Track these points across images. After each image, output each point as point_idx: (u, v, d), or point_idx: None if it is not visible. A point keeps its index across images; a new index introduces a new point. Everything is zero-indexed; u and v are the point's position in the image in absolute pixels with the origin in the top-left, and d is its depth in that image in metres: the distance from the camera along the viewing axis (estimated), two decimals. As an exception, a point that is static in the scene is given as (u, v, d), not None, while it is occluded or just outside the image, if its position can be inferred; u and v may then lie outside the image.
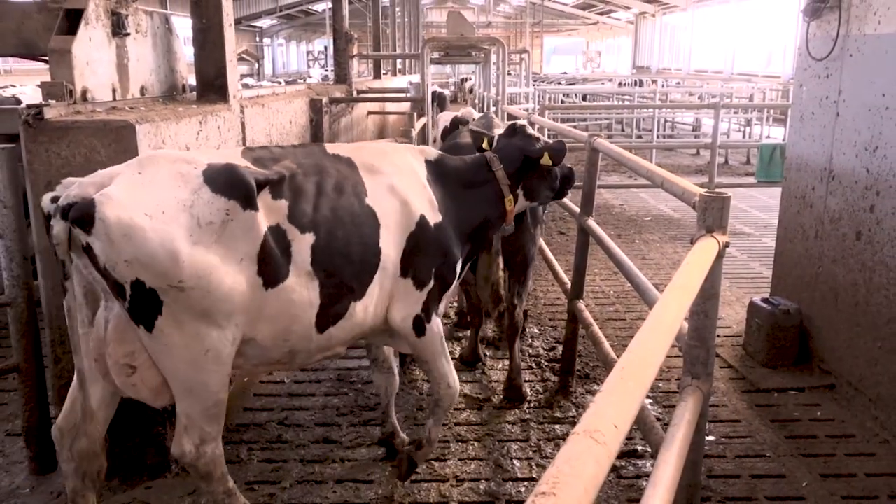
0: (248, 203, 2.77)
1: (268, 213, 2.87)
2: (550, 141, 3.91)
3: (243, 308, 2.80)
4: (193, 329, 2.72)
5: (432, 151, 3.71)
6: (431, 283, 3.39)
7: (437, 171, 3.55)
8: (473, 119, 6.23)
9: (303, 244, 2.95)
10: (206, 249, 2.68)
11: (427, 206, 3.38)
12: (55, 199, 2.61)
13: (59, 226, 2.56)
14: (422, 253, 3.34)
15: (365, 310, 3.22)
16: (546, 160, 3.79)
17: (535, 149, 3.80)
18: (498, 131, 4.34)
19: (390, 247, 3.24)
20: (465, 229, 3.55)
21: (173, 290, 2.63)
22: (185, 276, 2.62)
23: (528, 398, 4.69)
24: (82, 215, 2.52)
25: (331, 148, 3.33)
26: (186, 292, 2.65)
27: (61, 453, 2.99)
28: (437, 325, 3.50)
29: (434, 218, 3.38)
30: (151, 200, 2.62)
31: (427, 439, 3.69)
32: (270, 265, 2.84)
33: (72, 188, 2.61)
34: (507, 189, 3.69)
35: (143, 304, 2.63)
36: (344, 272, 3.08)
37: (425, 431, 3.71)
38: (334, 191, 3.12)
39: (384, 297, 3.29)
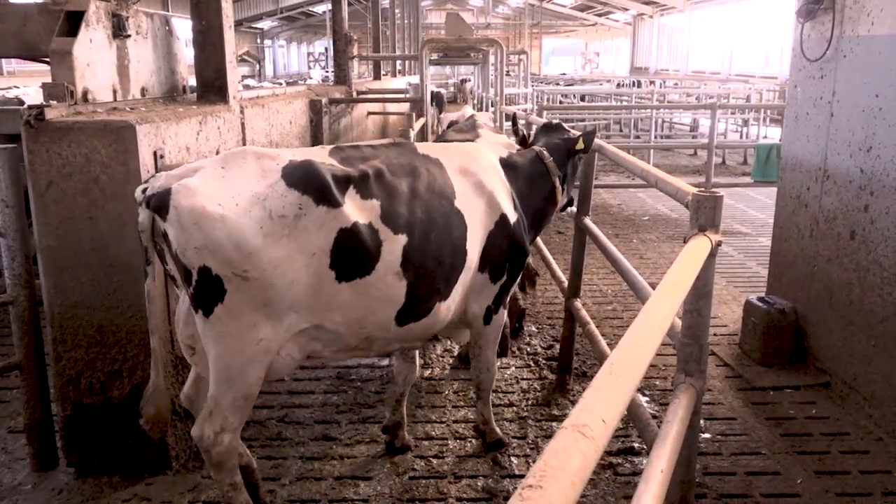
0: (322, 198, 2.88)
1: (358, 211, 2.97)
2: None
3: (305, 301, 2.92)
4: (251, 319, 2.82)
5: (503, 149, 3.91)
6: (505, 276, 3.60)
7: (509, 168, 3.74)
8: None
9: (395, 245, 3.06)
10: (276, 242, 2.79)
11: (508, 204, 3.57)
12: (144, 191, 2.81)
13: (143, 214, 2.78)
14: (499, 249, 3.51)
15: (447, 308, 3.38)
16: (580, 145, 4.05)
17: (574, 137, 4.10)
18: (483, 131, 4.63)
19: (475, 246, 3.40)
20: (531, 222, 3.78)
21: (237, 279, 2.75)
22: (251, 265, 2.75)
23: (527, 396, 4.72)
24: (160, 204, 2.72)
25: (421, 148, 3.46)
26: (250, 282, 2.76)
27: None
28: (502, 315, 3.76)
29: (513, 216, 3.57)
30: (227, 192, 2.77)
31: (483, 421, 4.05)
32: (347, 261, 2.95)
33: (157, 180, 2.82)
34: (557, 179, 3.93)
35: (207, 291, 2.76)
36: (435, 275, 3.21)
37: (478, 416, 4.06)
38: (427, 192, 3.23)
39: (464, 294, 3.47)
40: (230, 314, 2.79)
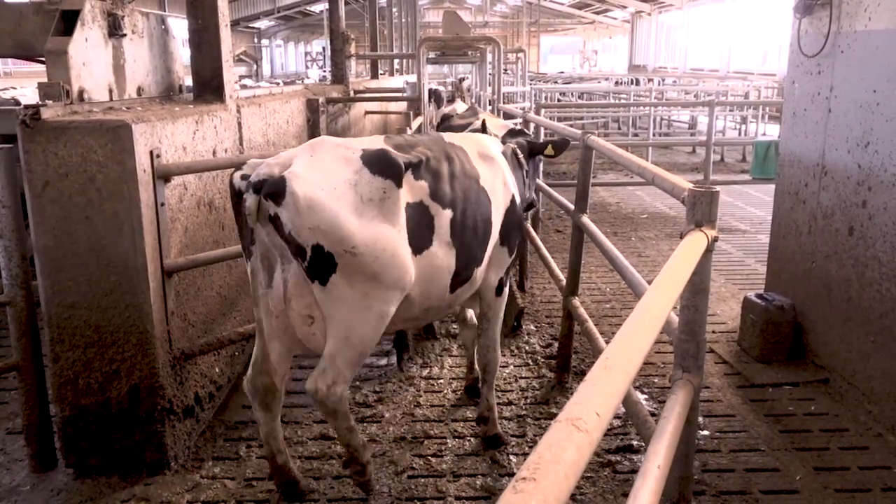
0: (400, 182, 3.26)
1: (413, 191, 3.36)
2: (544, 138, 4.46)
3: (409, 272, 3.28)
4: (363, 289, 3.16)
5: (498, 141, 4.28)
6: (515, 251, 4.09)
7: (507, 158, 4.10)
8: (457, 114, 6.61)
9: (444, 219, 3.47)
10: (371, 221, 3.15)
11: (514, 187, 3.99)
12: (245, 178, 3.10)
13: (251, 199, 3.04)
14: (512, 225, 3.95)
15: (480, 275, 3.84)
16: (549, 150, 4.46)
17: (537, 141, 4.56)
18: (483, 114, 5.29)
19: (497, 221, 3.82)
20: (522, 207, 4.15)
21: (347, 255, 3.09)
22: (357, 243, 3.10)
23: (526, 394, 4.72)
24: (275, 190, 3.01)
25: (446, 137, 3.86)
26: (358, 257, 3.11)
27: (254, 403, 3.49)
28: (508, 287, 4.19)
29: (517, 197, 4.00)
30: (326, 178, 3.11)
31: (487, 408, 4.17)
32: (417, 236, 3.34)
33: (260, 168, 3.11)
34: (523, 174, 4.27)
35: (321, 264, 3.09)
36: (472, 243, 3.65)
37: (483, 401, 4.19)
38: (460, 174, 3.63)
39: (487, 263, 3.88)
40: (344, 283, 3.13)
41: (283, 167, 3.09)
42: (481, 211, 3.68)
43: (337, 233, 3.05)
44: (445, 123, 6.40)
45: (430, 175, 3.44)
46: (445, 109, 8.14)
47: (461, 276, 3.63)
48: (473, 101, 12.09)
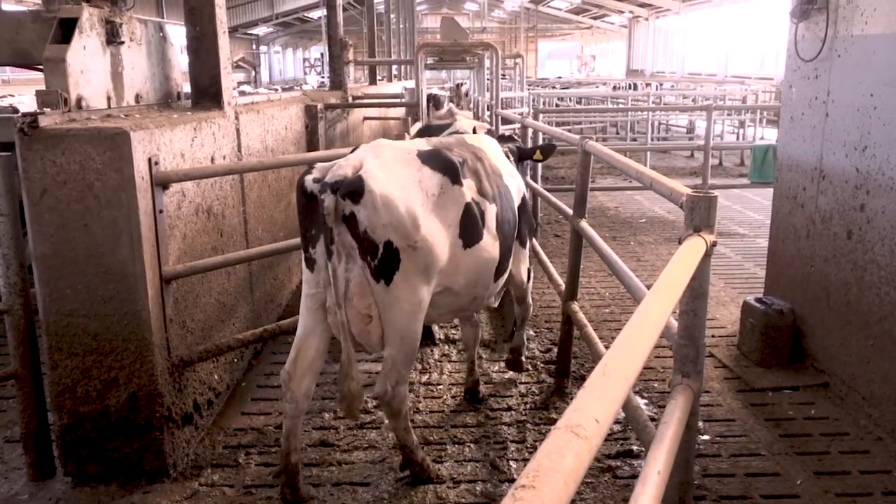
0: (455, 179, 3.53)
1: (467, 189, 3.61)
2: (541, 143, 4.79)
3: (444, 266, 3.47)
4: (415, 284, 3.34)
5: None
6: (529, 243, 4.48)
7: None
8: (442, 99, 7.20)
9: (491, 213, 3.75)
10: (431, 216, 3.37)
11: (523, 185, 4.34)
12: (318, 181, 3.21)
13: (329, 199, 3.13)
14: (526, 220, 4.32)
15: (511, 264, 4.17)
16: (538, 155, 4.81)
17: (525, 147, 4.84)
18: (458, 116, 6.01)
19: (517, 216, 4.12)
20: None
21: (409, 249, 3.26)
22: (419, 237, 3.28)
23: (526, 399, 4.72)
24: (353, 189, 3.15)
25: (468, 139, 4.14)
26: (417, 251, 3.29)
27: (286, 394, 3.58)
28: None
29: (525, 194, 4.38)
30: (395, 177, 3.29)
31: (520, 344, 4.85)
32: (469, 229, 3.58)
33: (334, 170, 3.23)
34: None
35: (388, 262, 3.24)
36: (507, 235, 3.94)
37: (518, 339, 4.83)
38: (492, 172, 3.91)
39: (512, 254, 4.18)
40: (404, 280, 3.28)
41: (354, 168, 3.22)
42: (511, 206, 4.01)
43: (406, 227, 3.23)
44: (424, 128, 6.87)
45: (472, 173, 3.73)
46: (441, 112, 8.27)
47: (502, 267, 3.95)
48: (472, 106, 12.11)
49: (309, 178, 3.25)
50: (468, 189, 3.61)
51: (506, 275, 4.13)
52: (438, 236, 3.39)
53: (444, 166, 3.50)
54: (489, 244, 3.73)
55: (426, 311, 3.47)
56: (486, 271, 3.78)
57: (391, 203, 3.19)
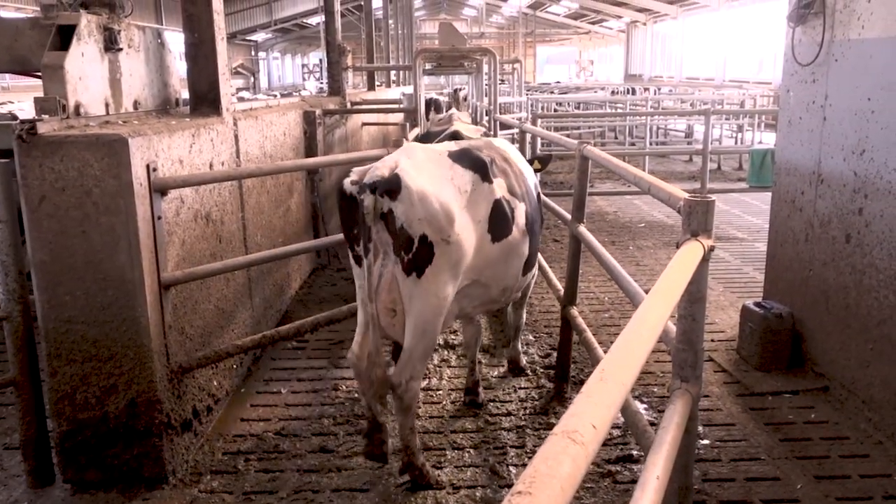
0: (485, 177, 3.77)
1: (498, 187, 3.85)
2: (541, 149, 4.88)
3: (472, 261, 3.66)
4: (444, 278, 3.51)
5: None
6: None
7: None
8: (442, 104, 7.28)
9: (520, 211, 4.01)
10: (463, 212, 3.57)
11: (538, 186, 4.63)
12: (356, 182, 3.38)
13: (369, 199, 3.33)
14: (541, 217, 4.61)
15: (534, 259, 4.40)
16: (536, 165, 4.97)
17: (527, 159, 4.92)
18: (456, 121, 6.28)
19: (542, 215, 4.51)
20: None
21: (443, 244, 3.44)
22: (453, 232, 3.47)
23: (525, 405, 4.71)
24: (391, 187, 3.34)
25: (494, 142, 4.42)
26: (451, 246, 3.47)
27: (359, 376, 3.70)
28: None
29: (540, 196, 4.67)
30: (429, 174, 3.52)
31: (517, 353, 5.17)
32: (498, 225, 3.80)
33: (371, 171, 3.40)
34: None
35: (422, 255, 3.41)
36: (536, 233, 4.23)
37: (514, 350, 5.16)
38: (518, 172, 4.16)
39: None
40: (435, 274, 3.45)
41: (390, 168, 3.40)
42: (535, 204, 4.27)
43: (440, 222, 3.43)
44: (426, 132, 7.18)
45: (502, 172, 3.97)
46: (442, 116, 8.41)
47: (530, 262, 4.23)
48: (470, 111, 12.13)
49: (347, 182, 3.43)
50: (498, 187, 3.85)
51: (535, 269, 4.46)
52: (468, 231, 3.59)
53: (475, 164, 3.75)
54: (518, 240, 3.98)
55: (453, 306, 3.70)
56: (515, 265, 4.04)
57: (426, 198, 3.39)
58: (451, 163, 3.71)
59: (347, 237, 3.55)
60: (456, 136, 5.69)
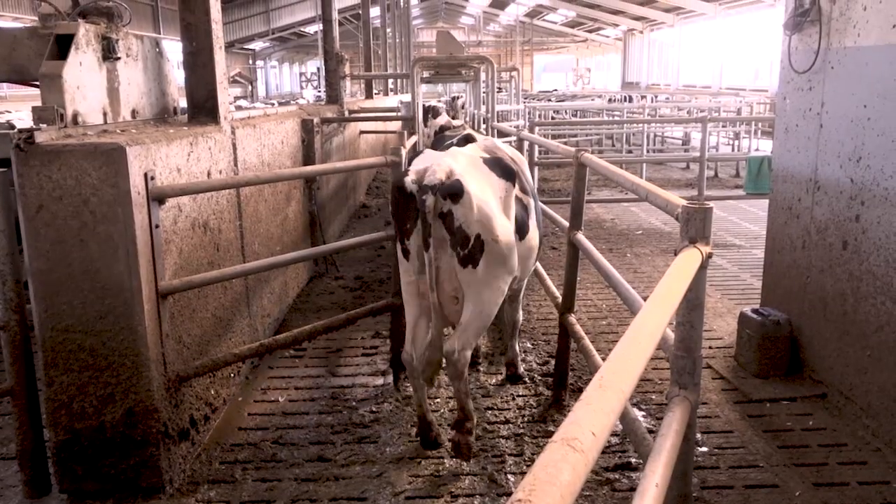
0: (514, 183, 4.17)
1: (518, 190, 4.25)
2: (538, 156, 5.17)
3: (516, 259, 4.08)
4: (495, 272, 3.95)
5: None
6: None
7: None
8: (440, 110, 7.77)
9: (531, 207, 4.43)
10: (502, 216, 4.00)
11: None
12: (416, 182, 3.73)
13: (430, 199, 3.69)
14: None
15: None
16: None
17: None
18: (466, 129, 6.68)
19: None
20: None
21: (492, 242, 3.87)
22: (499, 233, 3.90)
23: (523, 412, 4.70)
24: (454, 191, 3.73)
25: (496, 142, 4.85)
26: (498, 245, 3.90)
27: (411, 371, 4.18)
28: None
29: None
30: (477, 182, 3.92)
31: (515, 354, 5.23)
32: (522, 224, 4.25)
33: (429, 174, 3.73)
34: None
35: (476, 251, 3.84)
36: (540, 225, 4.63)
37: (511, 351, 5.24)
38: (524, 170, 4.60)
39: None
40: (485, 267, 3.88)
41: (446, 173, 3.77)
42: (537, 198, 4.67)
43: (490, 223, 3.85)
44: (440, 135, 7.69)
45: (517, 173, 4.33)
46: (440, 121, 9.08)
47: (539, 253, 4.70)
48: (468, 119, 12.16)
49: (408, 180, 3.78)
50: (519, 190, 4.26)
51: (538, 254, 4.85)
52: (508, 233, 4.01)
53: (506, 173, 4.17)
54: (533, 234, 4.43)
55: (504, 295, 4.14)
56: (532, 256, 4.54)
57: (481, 203, 3.82)
58: (488, 170, 4.11)
59: (399, 231, 3.94)
60: (469, 139, 6.01)
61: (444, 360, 4.01)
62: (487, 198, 3.91)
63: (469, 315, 3.96)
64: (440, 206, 3.74)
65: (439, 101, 17.14)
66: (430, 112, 10.91)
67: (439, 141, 7.55)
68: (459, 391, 4.08)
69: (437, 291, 3.91)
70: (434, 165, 3.80)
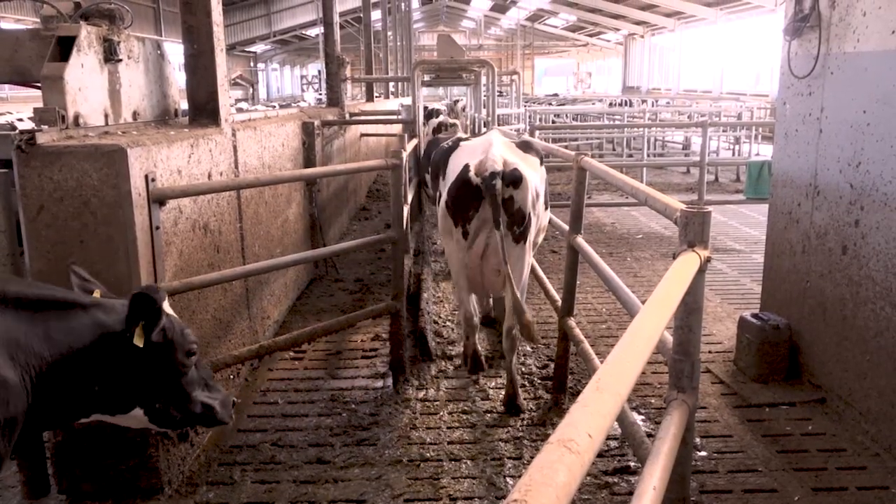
0: (542, 162, 4.88)
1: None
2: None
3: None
4: (528, 245, 4.62)
5: None
6: None
7: None
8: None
9: (542, 192, 4.85)
10: (544, 195, 4.82)
11: None
12: (479, 174, 4.33)
13: (499, 183, 4.25)
14: None
15: None
16: None
17: None
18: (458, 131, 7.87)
19: None
20: None
21: (534, 219, 4.56)
22: (539, 211, 4.72)
23: (522, 416, 4.71)
24: (515, 179, 4.33)
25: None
26: (535, 220, 4.58)
27: (472, 329, 4.85)
28: None
29: None
30: (524, 166, 4.48)
31: (514, 376, 4.93)
32: (543, 202, 4.85)
33: (489, 165, 4.32)
34: None
35: (526, 228, 4.48)
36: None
37: (509, 367, 5.10)
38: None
39: None
40: (527, 243, 4.56)
41: (504, 164, 4.36)
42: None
43: (537, 204, 4.58)
44: (436, 135, 8.40)
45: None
46: (435, 121, 9.51)
47: (540, 233, 5.10)
48: (468, 122, 12.18)
49: (472, 174, 4.38)
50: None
51: None
52: (548, 212, 4.86)
53: (537, 152, 4.88)
54: (542, 213, 4.91)
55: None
56: (541, 236, 5.10)
57: (531, 187, 4.42)
58: (523, 153, 4.73)
59: (461, 216, 4.49)
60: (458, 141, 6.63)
61: (532, 320, 4.42)
62: (535, 181, 4.51)
63: (517, 287, 4.43)
64: (505, 192, 4.30)
65: (442, 105, 17.22)
66: (433, 113, 11.07)
67: (435, 142, 7.81)
68: (510, 364, 4.72)
69: (483, 265, 4.55)
70: (490, 156, 4.40)
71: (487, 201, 4.27)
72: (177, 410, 2.91)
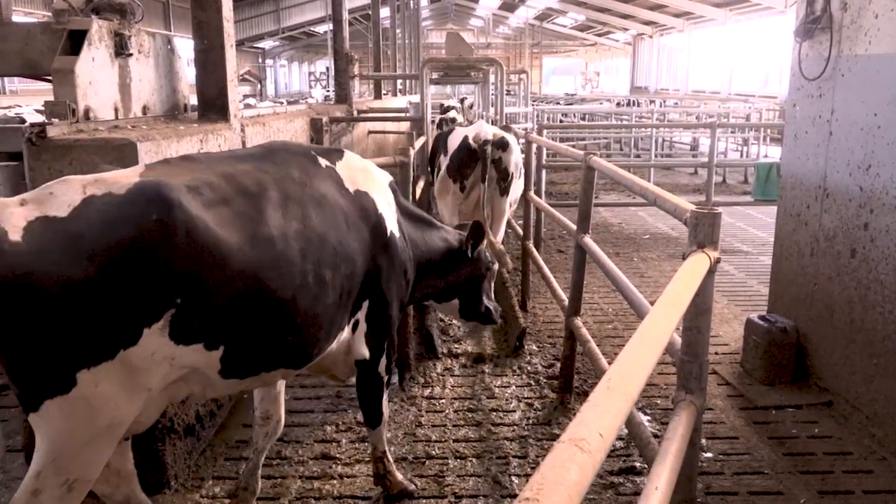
0: (518, 142, 6.65)
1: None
2: (546, 159, 6.23)
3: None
4: (508, 199, 6.22)
5: None
6: None
7: None
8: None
9: (521, 166, 6.57)
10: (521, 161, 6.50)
11: None
12: (476, 140, 5.92)
13: (490, 147, 5.85)
14: None
15: None
16: None
17: None
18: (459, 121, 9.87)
19: None
20: None
21: (515, 179, 6.17)
22: (518, 177, 6.24)
23: (528, 414, 4.71)
24: (504, 144, 5.97)
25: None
26: (519, 179, 6.33)
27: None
28: None
29: None
30: (506, 135, 6.15)
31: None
32: (521, 175, 6.52)
33: (482, 135, 5.99)
34: None
35: (509, 184, 6.02)
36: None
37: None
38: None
39: None
40: (509, 196, 6.15)
41: (494, 134, 6.06)
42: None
43: (518, 166, 6.18)
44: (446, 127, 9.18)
45: None
46: (440, 117, 10.39)
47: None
48: (474, 120, 12.22)
49: (470, 140, 5.93)
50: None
51: None
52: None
53: (516, 134, 6.64)
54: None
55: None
56: (517, 202, 6.86)
57: (517, 152, 6.04)
58: (505, 133, 6.19)
59: (460, 174, 5.95)
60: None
61: (503, 250, 5.86)
62: (517, 151, 6.06)
63: (498, 225, 6.13)
64: (495, 154, 5.79)
65: (456, 101, 17.32)
66: (448, 110, 11.36)
67: (440, 136, 8.65)
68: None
69: (475, 213, 5.79)
70: (483, 129, 6.09)
71: (481, 161, 5.71)
72: (473, 306, 4.17)
